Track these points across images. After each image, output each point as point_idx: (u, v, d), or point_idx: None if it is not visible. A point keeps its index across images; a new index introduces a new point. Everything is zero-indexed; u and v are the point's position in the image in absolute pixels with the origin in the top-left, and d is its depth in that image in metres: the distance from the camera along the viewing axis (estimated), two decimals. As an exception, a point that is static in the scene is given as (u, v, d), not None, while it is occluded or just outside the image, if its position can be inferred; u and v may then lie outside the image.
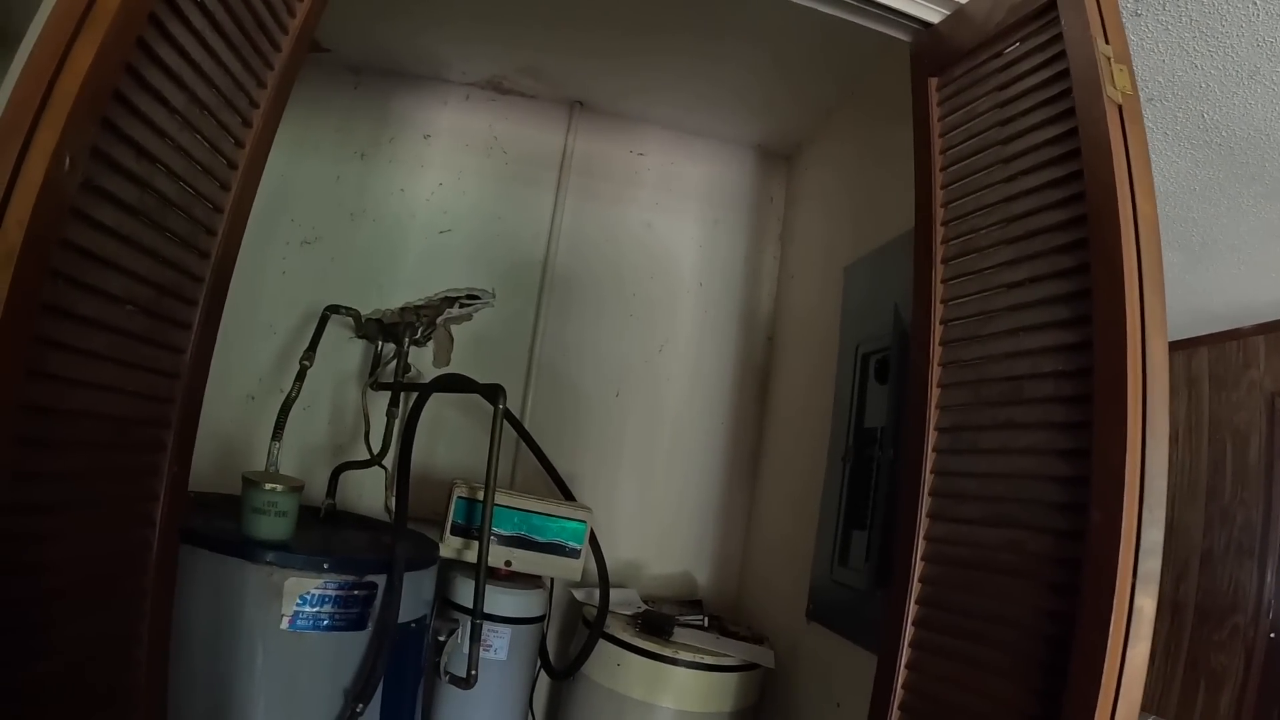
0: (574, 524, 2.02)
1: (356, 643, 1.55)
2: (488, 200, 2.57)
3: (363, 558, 1.60)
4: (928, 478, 1.09)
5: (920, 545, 1.08)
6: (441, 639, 1.83)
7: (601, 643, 1.98)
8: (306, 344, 2.17)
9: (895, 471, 1.58)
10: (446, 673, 1.81)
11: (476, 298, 2.50)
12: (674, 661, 1.91)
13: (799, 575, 2.06)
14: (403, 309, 2.41)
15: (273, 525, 1.49)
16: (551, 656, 2.15)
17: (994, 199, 1.18)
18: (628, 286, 2.60)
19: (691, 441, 2.61)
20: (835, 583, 1.88)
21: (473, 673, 1.75)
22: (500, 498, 1.95)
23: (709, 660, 1.93)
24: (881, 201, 1.99)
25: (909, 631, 1.07)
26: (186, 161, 1.02)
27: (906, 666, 1.08)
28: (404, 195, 2.53)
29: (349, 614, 1.53)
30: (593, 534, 2.07)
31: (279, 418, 1.91)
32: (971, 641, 1.01)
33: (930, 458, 1.10)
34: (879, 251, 1.91)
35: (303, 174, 2.44)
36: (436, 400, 2.39)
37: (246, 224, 1.19)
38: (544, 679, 2.21)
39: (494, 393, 1.78)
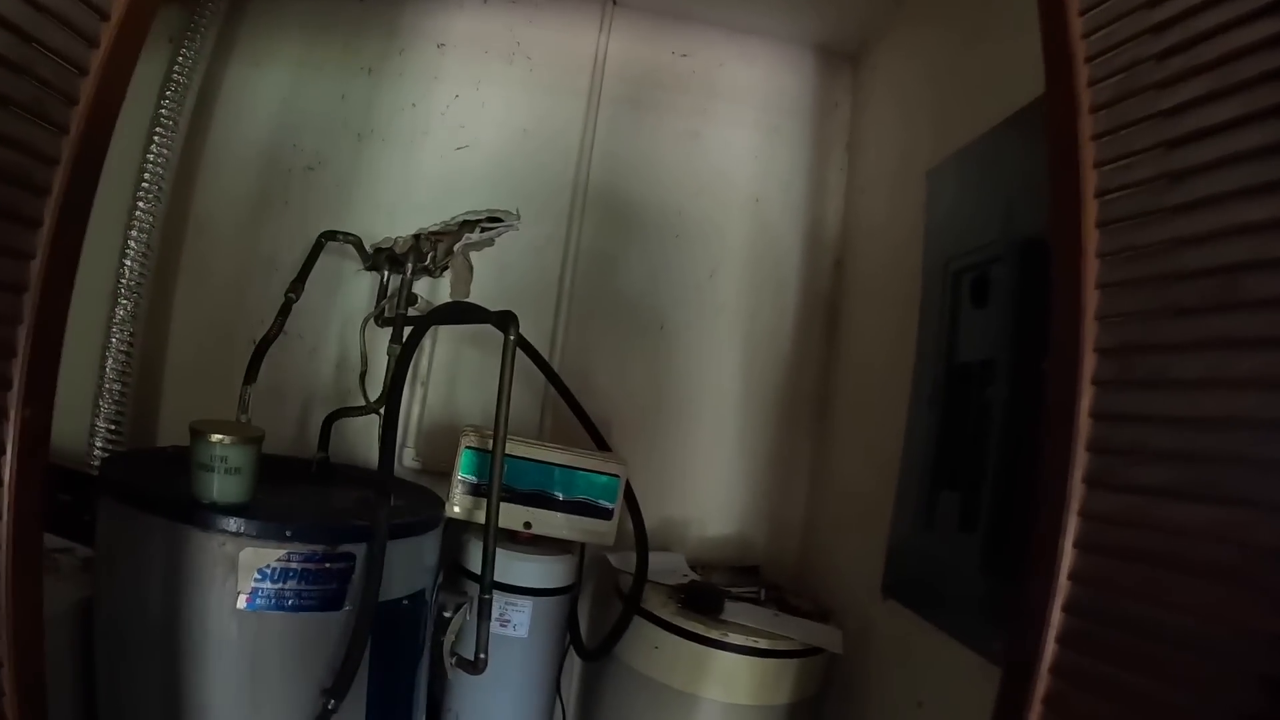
0: (605, 478, 1.71)
1: (330, 625, 1.28)
2: (511, 113, 2.22)
3: (336, 523, 1.32)
4: (1084, 425, 0.72)
5: (1073, 525, 0.71)
6: (447, 615, 1.56)
7: (637, 620, 1.69)
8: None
9: (1013, 416, 1.21)
10: (453, 654, 1.54)
11: (499, 220, 2.19)
12: (722, 645, 1.60)
13: (873, 542, 1.71)
14: (416, 236, 2.12)
15: (225, 484, 1.23)
16: (585, 632, 1.88)
17: (1167, 13, 0.79)
18: (672, 204, 2.23)
19: (748, 382, 2.25)
20: (919, 553, 1.54)
21: (481, 656, 1.48)
22: (516, 448, 1.65)
23: (764, 644, 1.61)
24: (973, 88, 1.59)
25: (1051, 651, 0.72)
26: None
27: (1044, 702, 0.73)
28: (415, 111, 2.20)
29: (320, 591, 1.27)
30: (629, 490, 1.76)
31: (253, 359, 1.65)
32: (1152, 676, 0.66)
33: (1087, 395, 0.72)
34: (976, 145, 1.50)
35: (305, 97, 2.16)
36: (455, 338, 2.12)
37: (127, 88, 0.89)
38: (577, 658, 1.95)
39: (504, 321, 1.47)
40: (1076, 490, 0.71)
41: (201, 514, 1.21)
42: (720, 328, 2.25)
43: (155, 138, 1.90)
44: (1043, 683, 0.72)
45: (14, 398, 0.80)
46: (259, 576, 1.21)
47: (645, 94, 2.27)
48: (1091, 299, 0.74)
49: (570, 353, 2.15)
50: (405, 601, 1.41)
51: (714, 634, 1.61)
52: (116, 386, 1.83)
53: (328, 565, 1.26)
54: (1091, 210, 0.80)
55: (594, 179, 2.21)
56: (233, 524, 1.21)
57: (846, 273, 2.26)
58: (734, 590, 1.83)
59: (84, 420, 1.84)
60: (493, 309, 1.54)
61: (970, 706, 1.27)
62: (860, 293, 2.16)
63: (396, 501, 1.50)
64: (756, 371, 2.26)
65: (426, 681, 1.59)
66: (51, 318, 0.82)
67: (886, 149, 2.08)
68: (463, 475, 1.64)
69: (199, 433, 1.22)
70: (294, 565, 1.23)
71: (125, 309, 1.85)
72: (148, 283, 1.92)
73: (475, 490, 1.64)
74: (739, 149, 2.28)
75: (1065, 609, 0.71)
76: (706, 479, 2.23)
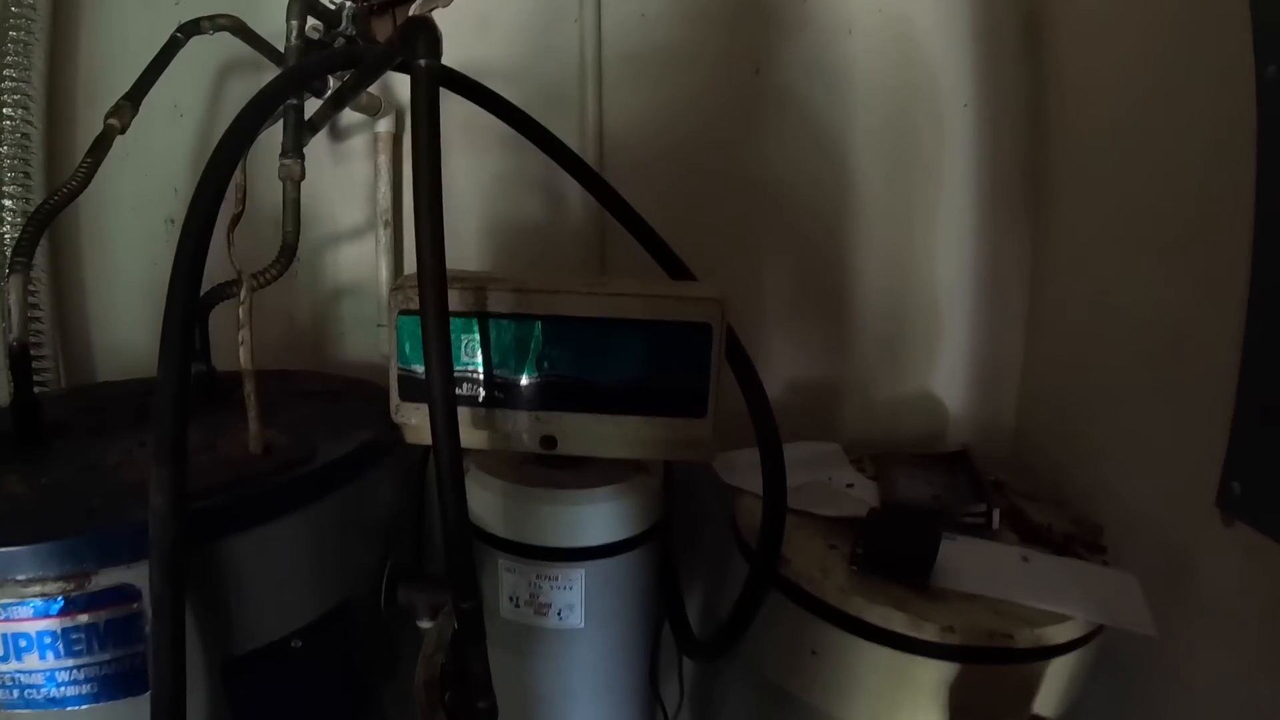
0: (686, 333, 0.89)
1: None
2: None
3: (91, 528, 0.60)
4: None
5: None
6: (423, 625, 0.86)
7: (775, 598, 0.91)
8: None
9: None
10: (443, 693, 0.84)
11: None
12: (949, 652, 0.79)
13: (1191, 408, 0.88)
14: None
15: None
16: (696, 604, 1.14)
17: None
18: None
19: (915, 146, 1.32)
20: None
21: (481, 705, 0.78)
22: (495, 298, 0.87)
23: (1024, 642, 0.80)
24: None
25: None
26: None
27: None
28: None
29: (94, 666, 0.57)
30: (734, 344, 0.94)
31: (25, 230, 0.86)
32: None
33: None
34: None
35: None
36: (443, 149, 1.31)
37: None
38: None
39: (410, 38, 0.65)
40: None
41: None
42: (854, 64, 1.29)
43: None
44: None
45: None
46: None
47: None
48: None
49: (614, 130, 1.29)
50: (296, 641, 0.70)
51: (928, 633, 0.81)
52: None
53: (87, 617, 0.56)
54: None
55: None
56: None
57: None
58: (943, 509, 1.02)
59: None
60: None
61: None
62: None
63: (272, 438, 0.77)
64: (923, 132, 1.31)
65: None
66: None
67: None
68: (405, 366, 0.88)
69: None
70: (25, 625, 0.53)
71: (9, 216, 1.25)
72: (35, 180, 1.27)
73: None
74: None
75: None
76: (866, 315, 1.36)
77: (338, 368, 1.36)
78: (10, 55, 1.23)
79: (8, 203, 1.24)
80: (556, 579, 0.93)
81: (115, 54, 1.34)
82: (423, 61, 0.66)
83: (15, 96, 1.24)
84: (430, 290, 0.65)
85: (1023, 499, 1.10)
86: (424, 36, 0.67)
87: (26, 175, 1.25)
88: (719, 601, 1.12)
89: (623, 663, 1.02)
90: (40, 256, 1.29)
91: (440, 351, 0.66)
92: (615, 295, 0.87)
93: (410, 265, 1.27)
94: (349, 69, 0.90)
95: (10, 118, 1.23)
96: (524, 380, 0.88)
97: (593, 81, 1.27)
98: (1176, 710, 0.90)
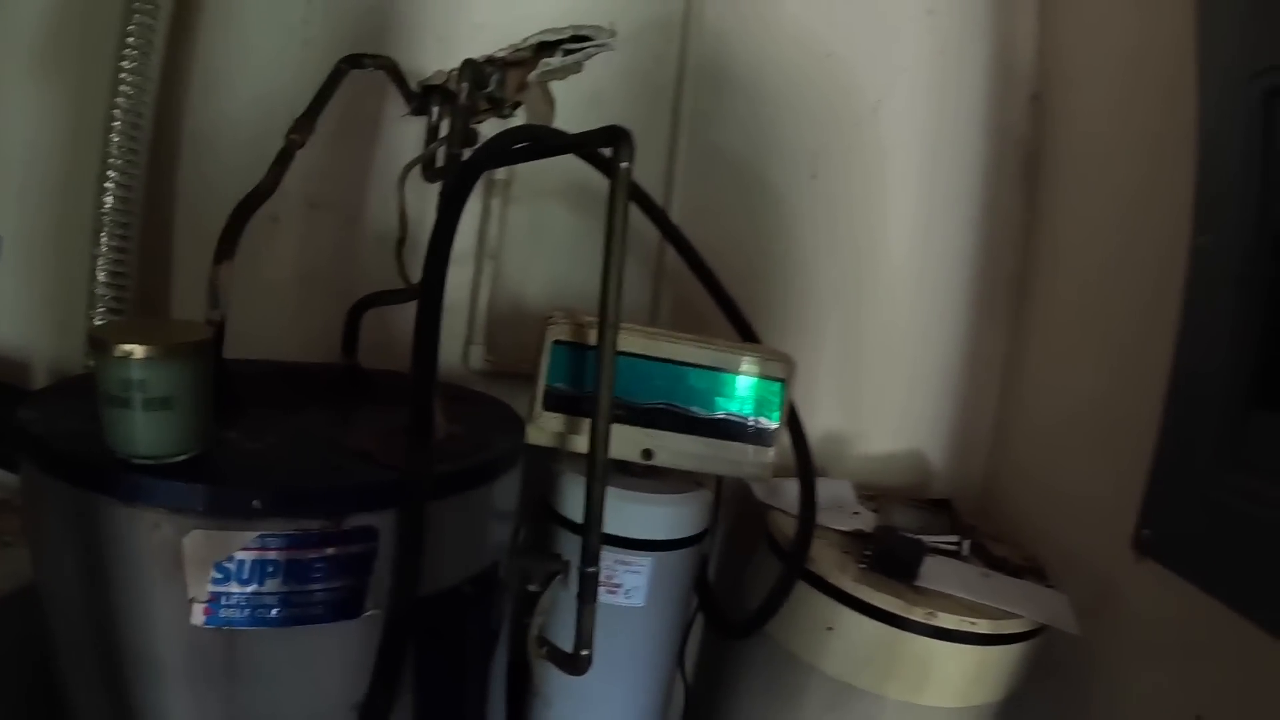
0: (763, 384, 1.15)
1: (345, 641, 0.81)
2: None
3: (342, 481, 0.82)
4: None
5: None
6: (534, 589, 1.08)
7: (802, 588, 1.17)
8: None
9: None
10: (543, 643, 1.07)
11: (586, 39, 1.53)
12: (927, 629, 1.09)
13: (1116, 472, 1.18)
14: (475, 63, 1.51)
15: (150, 427, 0.73)
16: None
17: None
18: (820, 9, 1.55)
19: (922, 250, 1.63)
20: (1209, 501, 1.02)
21: (584, 653, 1.00)
22: (632, 341, 1.12)
23: (985, 627, 1.09)
24: None
25: None
26: None
27: None
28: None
29: (324, 591, 0.78)
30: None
31: (230, 223, 1.10)
32: None
33: None
34: None
35: None
36: (536, 194, 1.53)
37: None
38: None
39: (610, 138, 0.83)
40: None
41: (114, 477, 0.73)
42: (887, 176, 1.60)
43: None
44: None
45: None
46: (220, 575, 0.74)
47: None
48: None
49: (690, 209, 1.56)
50: (467, 588, 0.92)
51: (916, 614, 1.09)
52: (110, 293, 1.35)
53: (330, 551, 0.77)
54: None
55: (715, -20, 1.54)
56: (164, 492, 0.72)
57: (1049, 111, 1.57)
58: (928, 539, 1.29)
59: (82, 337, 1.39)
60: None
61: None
62: (1072, 136, 1.51)
63: (454, 429, 1.00)
64: (934, 238, 1.63)
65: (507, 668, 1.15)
66: None
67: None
68: (550, 384, 1.12)
69: (100, 344, 0.71)
70: (274, 554, 0.75)
71: (115, 195, 1.35)
72: (140, 162, 1.39)
73: (569, 404, 1.12)
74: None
75: None
76: (872, 380, 1.66)
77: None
78: (134, 37, 1.35)
79: (113, 174, 1.35)
80: (629, 563, 1.17)
81: (234, 56, 1.52)
82: (624, 165, 0.83)
83: (134, 78, 1.35)
84: (608, 333, 0.88)
85: (988, 539, 1.39)
86: (624, 143, 0.85)
87: (134, 153, 1.37)
88: (742, 591, 1.38)
89: (666, 639, 1.26)
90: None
91: (608, 381, 0.88)
92: (716, 349, 1.14)
93: (502, 298, 1.53)
94: (538, 155, 1.10)
95: (127, 95, 1.35)
96: (638, 403, 1.13)
97: (680, 159, 1.55)
98: (1101, 699, 1.18)
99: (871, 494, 1.51)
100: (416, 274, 0.96)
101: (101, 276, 1.34)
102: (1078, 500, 1.33)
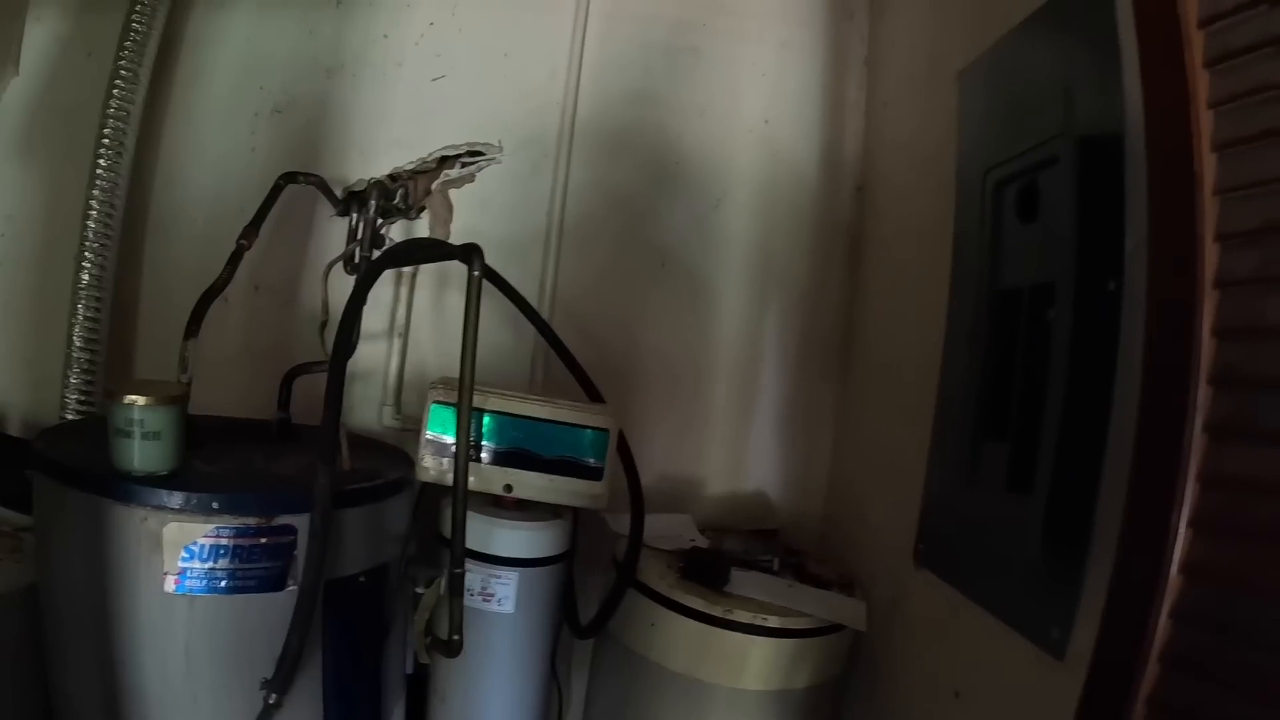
0: (592, 433, 1.53)
1: (273, 608, 1.13)
2: (490, 35, 2.00)
3: (270, 491, 1.16)
4: (1203, 345, 0.50)
5: (1190, 495, 0.50)
6: (419, 590, 1.40)
7: (632, 593, 1.52)
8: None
9: (1080, 345, 0.99)
10: (428, 635, 1.39)
11: (479, 154, 1.99)
12: (726, 624, 1.42)
13: (906, 502, 1.49)
14: (390, 176, 1.93)
15: (145, 451, 1.08)
16: (586, 605, 1.72)
17: None
18: (671, 127, 2.01)
19: (761, 323, 2.05)
20: (959, 516, 1.32)
21: (455, 637, 1.32)
22: (489, 401, 1.48)
23: (774, 622, 1.43)
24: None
25: (1152, 676, 0.52)
26: None
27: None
28: (388, 42, 2.00)
29: (258, 569, 1.12)
30: (623, 444, 1.58)
31: (195, 310, 1.46)
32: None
33: (1209, 301, 0.51)
34: (1023, 29, 1.24)
35: (270, 34, 1.97)
36: (438, 282, 1.93)
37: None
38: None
39: (466, 254, 1.21)
40: (1193, 445, 0.50)
41: (118, 485, 1.07)
42: (729, 263, 2.03)
43: (115, 90, 1.72)
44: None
45: None
46: (186, 555, 1.06)
47: (639, 6, 2.03)
48: (1208, 173, 0.52)
49: (563, 295, 1.96)
50: (362, 578, 1.25)
51: (716, 610, 1.43)
52: (85, 355, 1.67)
53: (263, 540, 1.11)
54: (1203, 85, 0.58)
55: (583, 102, 1.99)
56: (152, 495, 1.05)
57: (869, 200, 2.01)
58: (745, 557, 1.65)
59: (57, 391, 1.69)
60: (481, 246, 1.31)
61: (1019, 701, 1.08)
62: (885, 221, 1.91)
63: (357, 464, 1.33)
64: (771, 312, 2.05)
65: (406, 664, 1.45)
66: None
67: (910, 54, 1.81)
68: (431, 433, 1.47)
69: (113, 395, 1.06)
70: (225, 541, 1.08)
71: (90, 273, 1.69)
72: (113, 244, 1.75)
73: (447, 450, 1.48)
74: (746, 65, 2.02)
75: (1175, 615, 0.51)
76: (718, 432, 2.04)
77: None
78: (104, 157, 1.69)
79: (89, 255, 1.67)
80: (500, 577, 1.50)
81: (192, 159, 1.93)
82: (476, 272, 1.21)
83: (109, 175, 1.69)
84: (465, 395, 1.22)
85: (814, 561, 1.73)
86: (476, 256, 1.22)
87: (107, 237, 1.70)
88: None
89: (536, 639, 1.58)
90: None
91: (464, 430, 1.23)
92: (555, 406, 1.52)
93: (413, 369, 1.88)
94: (422, 260, 1.50)
95: (102, 188, 1.68)
96: (499, 448, 1.49)
97: (554, 253, 1.96)
98: (894, 682, 1.50)
99: (715, 527, 1.86)
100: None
101: (78, 342, 1.67)
102: (883, 525, 1.64)
